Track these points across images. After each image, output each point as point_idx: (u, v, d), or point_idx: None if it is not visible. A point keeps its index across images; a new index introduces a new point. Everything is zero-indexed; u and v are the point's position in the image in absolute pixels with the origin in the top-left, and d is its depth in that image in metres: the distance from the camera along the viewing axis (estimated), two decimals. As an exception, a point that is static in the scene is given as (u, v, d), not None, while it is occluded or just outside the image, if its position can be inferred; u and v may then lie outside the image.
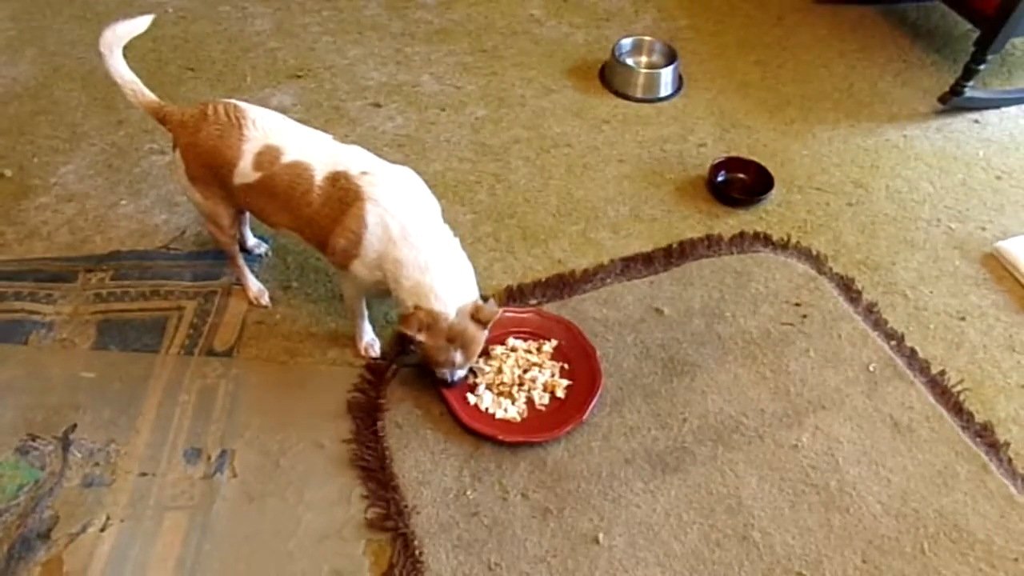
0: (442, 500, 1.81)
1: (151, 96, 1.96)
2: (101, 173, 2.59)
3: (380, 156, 1.92)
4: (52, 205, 2.47)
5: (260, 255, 2.35)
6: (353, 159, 1.86)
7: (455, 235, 1.89)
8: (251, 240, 2.34)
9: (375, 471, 1.85)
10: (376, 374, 2.06)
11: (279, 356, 2.10)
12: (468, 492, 1.83)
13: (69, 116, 2.81)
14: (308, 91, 2.98)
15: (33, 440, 1.88)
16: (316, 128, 1.96)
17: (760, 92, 3.07)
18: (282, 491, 1.82)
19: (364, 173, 1.82)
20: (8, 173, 2.57)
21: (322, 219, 1.83)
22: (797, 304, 2.25)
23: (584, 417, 1.94)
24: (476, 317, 1.82)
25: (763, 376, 2.07)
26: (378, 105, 2.94)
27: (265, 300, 2.21)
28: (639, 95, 3.02)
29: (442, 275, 1.79)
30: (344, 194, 1.81)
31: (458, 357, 1.85)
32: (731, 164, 2.66)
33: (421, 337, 1.80)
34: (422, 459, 1.88)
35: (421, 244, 1.79)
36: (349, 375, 2.06)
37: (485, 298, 1.94)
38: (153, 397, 1.97)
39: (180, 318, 2.16)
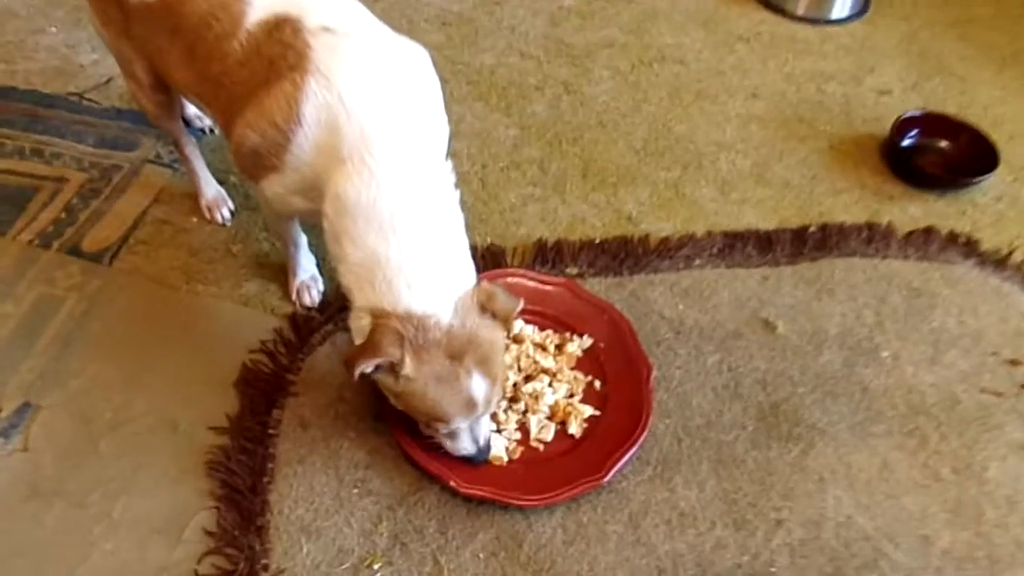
0: (329, 570, 1.06)
1: None
2: (41, -10, 1.94)
3: (413, 34, 1.14)
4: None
5: (201, 130, 1.64)
6: (319, 4, 1.07)
7: (456, 183, 1.08)
8: (190, 107, 1.62)
9: (240, 493, 1.12)
10: (300, 333, 1.32)
11: (170, 277, 1.39)
12: (376, 566, 1.07)
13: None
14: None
15: None
16: None
17: (989, 33, 2.07)
18: (87, 490, 1.11)
19: (326, 30, 1.03)
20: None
21: (236, 85, 1.07)
22: (1013, 362, 1.32)
23: (605, 478, 1.13)
24: (488, 307, 1.01)
25: (936, 476, 1.18)
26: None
27: (223, 215, 1.47)
28: (800, 12, 2.09)
29: (422, 248, 0.98)
30: (281, 53, 1.02)
31: (479, 386, 1.00)
32: (930, 124, 1.72)
33: (407, 371, 0.97)
34: (322, 489, 1.13)
35: (393, 182, 0.99)
36: (262, 325, 1.33)
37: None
38: (-37, 299, 1.31)
39: (55, 193, 1.48)
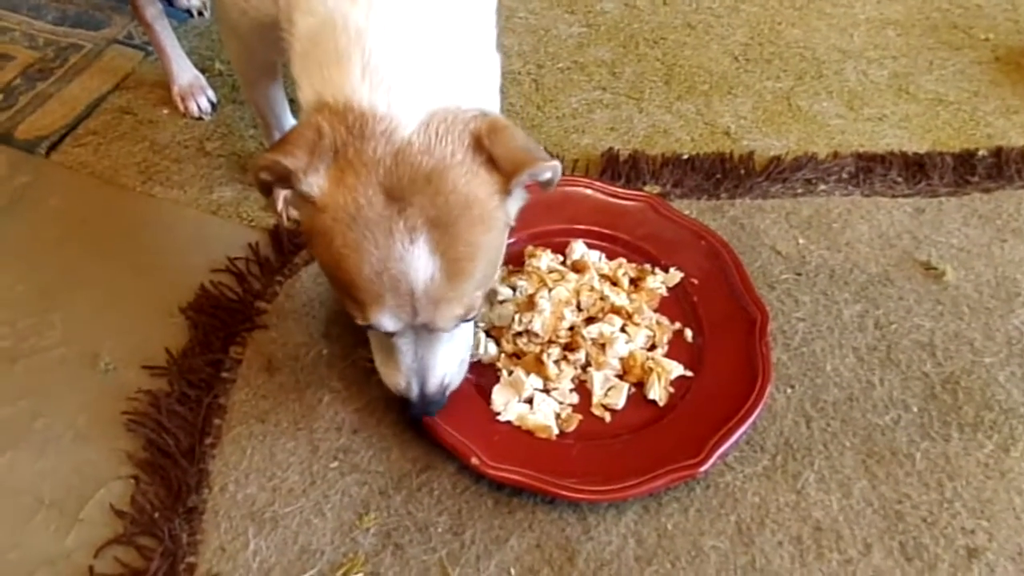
0: (283, 579, 0.71)
1: None
2: None
3: None
4: None
5: (188, 10, 1.32)
6: None
7: None
8: (175, -21, 1.30)
9: (169, 458, 0.78)
10: (281, 249, 0.97)
11: (123, 175, 1.06)
12: (355, 577, 0.71)
13: None
14: None
15: None
16: None
17: None
18: (-41, 442, 0.79)
19: None
20: None
21: None
22: None
23: (702, 467, 0.75)
24: (487, 146, 0.61)
25: None
26: None
27: (200, 106, 1.15)
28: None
29: (403, 21, 0.62)
30: None
31: (420, 260, 0.61)
32: None
33: (310, 188, 0.60)
34: (287, 460, 0.78)
35: None
36: (234, 238, 0.99)
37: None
38: None
39: (-5, 73, 1.18)
